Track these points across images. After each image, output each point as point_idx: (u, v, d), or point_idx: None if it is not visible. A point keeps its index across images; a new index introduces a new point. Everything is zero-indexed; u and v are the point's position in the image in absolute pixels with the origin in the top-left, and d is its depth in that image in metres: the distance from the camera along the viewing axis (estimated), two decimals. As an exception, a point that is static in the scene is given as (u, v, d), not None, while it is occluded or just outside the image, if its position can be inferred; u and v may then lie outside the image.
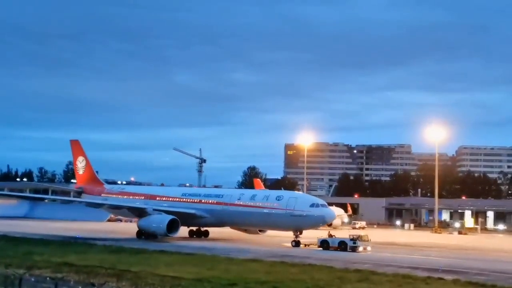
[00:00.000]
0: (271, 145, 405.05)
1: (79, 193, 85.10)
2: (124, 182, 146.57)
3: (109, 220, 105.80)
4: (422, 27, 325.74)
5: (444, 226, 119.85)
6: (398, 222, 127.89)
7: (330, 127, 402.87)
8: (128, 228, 79.07)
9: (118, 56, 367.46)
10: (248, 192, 75.30)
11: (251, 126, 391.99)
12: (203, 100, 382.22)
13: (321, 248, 58.55)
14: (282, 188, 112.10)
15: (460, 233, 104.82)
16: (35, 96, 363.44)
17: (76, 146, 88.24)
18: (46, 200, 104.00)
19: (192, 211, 68.80)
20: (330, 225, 77.13)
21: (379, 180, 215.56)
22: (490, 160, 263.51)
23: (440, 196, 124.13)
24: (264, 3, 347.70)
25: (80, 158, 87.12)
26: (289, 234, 64.47)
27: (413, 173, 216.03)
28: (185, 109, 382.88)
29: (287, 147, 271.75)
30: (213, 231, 73.74)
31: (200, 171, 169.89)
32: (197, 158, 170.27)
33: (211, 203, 69.29)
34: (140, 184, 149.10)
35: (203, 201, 70.32)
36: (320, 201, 63.72)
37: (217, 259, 45.13)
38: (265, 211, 63.82)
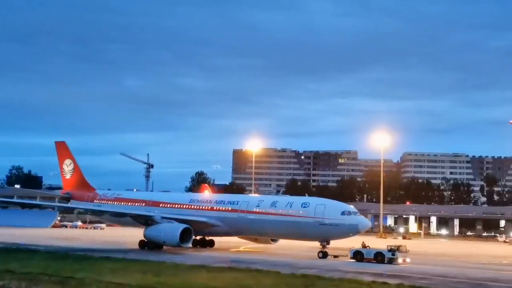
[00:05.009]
0: (219, 151, 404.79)
1: (66, 199, 79.10)
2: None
3: (53, 226, 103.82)
4: (372, 35, 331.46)
5: (389, 231, 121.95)
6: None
7: (279, 133, 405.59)
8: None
9: (67, 60, 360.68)
10: (268, 198, 69.38)
11: (200, 132, 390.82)
12: (153, 105, 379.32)
13: (354, 260, 53.77)
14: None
15: (404, 238, 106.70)
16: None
17: (62, 148, 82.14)
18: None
19: (204, 219, 63.73)
20: None
21: (326, 186, 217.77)
22: (433, 166, 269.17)
23: (385, 202, 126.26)
24: (216, 9, 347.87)
25: (67, 161, 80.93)
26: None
27: (359, 179, 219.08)
28: (134, 114, 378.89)
29: (235, 152, 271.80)
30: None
31: (147, 176, 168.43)
32: (144, 163, 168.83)
33: (224, 210, 64.07)
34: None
35: (215, 208, 65.25)
36: (352, 209, 58.63)
37: (164, 265, 44.76)
38: (289, 219, 58.67)
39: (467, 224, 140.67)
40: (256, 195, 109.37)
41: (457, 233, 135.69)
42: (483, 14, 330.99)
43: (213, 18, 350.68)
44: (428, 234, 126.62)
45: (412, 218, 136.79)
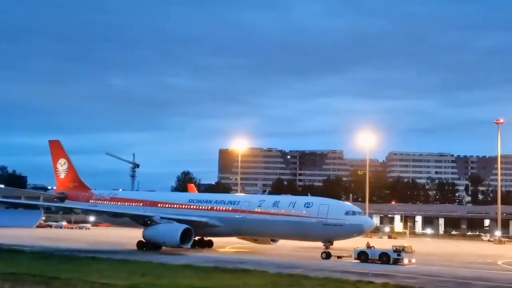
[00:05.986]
0: (206, 150, 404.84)
1: (61, 199, 77.66)
2: (55, 187, 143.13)
3: (38, 226, 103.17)
4: (359, 35, 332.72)
5: (375, 230, 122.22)
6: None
7: (266, 133, 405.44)
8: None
9: (53, 59, 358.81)
10: (270, 198, 67.95)
11: (186, 132, 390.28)
12: (139, 104, 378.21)
13: (358, 261, 53.04)
14: None
15: (390, 237, 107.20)
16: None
17: (56, 147, 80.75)
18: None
19: (204, 220, 62.54)
20: None
21: (312, 185, 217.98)
22: (418, 166, 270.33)
23: (370, 201, 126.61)
24: (204, 8, 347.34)
25: (62, 161, 79.64)
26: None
27: (345, 179, 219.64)
28: (121, 113, 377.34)
29: (221, 152, 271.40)
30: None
31: (133, 176, 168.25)
32: (130, 163, 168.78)
33: (225, 211, 62.94)
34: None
35: (215, 208, 64.03)
36: (356, 209, 57.89)
37: (150, 265, 44.59)
38: (292, 219, 57.73)
39: (452, 223, 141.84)
40: (243, 194, 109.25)
41: (442, 232, 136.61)
42: (470, 14, 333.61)
43: (201, 18, 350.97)
44: (413, 233, 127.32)
45: (397, 218, 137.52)
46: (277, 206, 59.90)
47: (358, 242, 58.57)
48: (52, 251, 55.02)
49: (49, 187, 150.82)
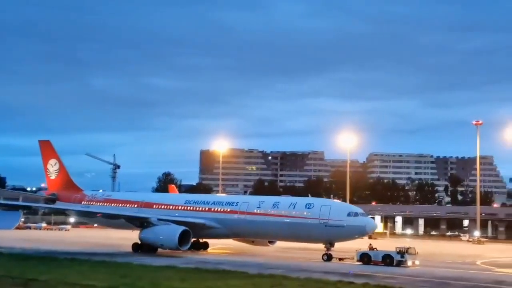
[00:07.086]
0: (187, 151, 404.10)
1: (51, 201, 75.62)
2: (34, 189, 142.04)
3: (17, 228, 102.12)
4: (341, 36, 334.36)
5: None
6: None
7: (248, 134, 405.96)
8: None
9: (32, 58, 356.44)
10: (270, 199, 65.16)
11: (168, 132, 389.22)
12: (121, 104, 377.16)
13: (361, 263, 52.18)
14: None
15: (370, 237, 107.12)
16: None
17: (46, 148, 79.30)
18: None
19: (201, 221, 61.39)
20: None
21: (293, 186, 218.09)
22: (398, 166, 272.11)
23: (351, 202, 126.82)
24: (187, 9, 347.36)
25: (52, 161, 78.23)
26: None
27: (325, 179, 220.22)
28: (102, 113, 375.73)
29: (203, 153, 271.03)
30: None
31: (113, 177, 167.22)
32: (110, 164, 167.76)
33: (223, 212, 61.96)
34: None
35: (212, 209, 62.88)
36: (358, 210, 57.00)
37: (131, 266, 44.41)
38: (293, 220, 56.98)
39: (432, 224, 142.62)
40: (225, 195, 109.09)
41: (422, 232, 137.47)
42: (451, 16, 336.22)
43: (183, 18, 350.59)
44: (393, 234, 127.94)
45: (378, 218, 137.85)
46: (277, 207, 59.08)
47: (361, 244, 58.31)
48: (32, 252, 54.51)
49: (29, 188, 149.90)
